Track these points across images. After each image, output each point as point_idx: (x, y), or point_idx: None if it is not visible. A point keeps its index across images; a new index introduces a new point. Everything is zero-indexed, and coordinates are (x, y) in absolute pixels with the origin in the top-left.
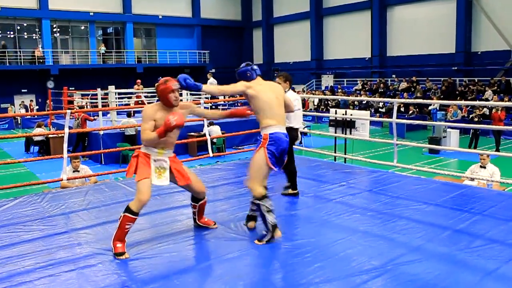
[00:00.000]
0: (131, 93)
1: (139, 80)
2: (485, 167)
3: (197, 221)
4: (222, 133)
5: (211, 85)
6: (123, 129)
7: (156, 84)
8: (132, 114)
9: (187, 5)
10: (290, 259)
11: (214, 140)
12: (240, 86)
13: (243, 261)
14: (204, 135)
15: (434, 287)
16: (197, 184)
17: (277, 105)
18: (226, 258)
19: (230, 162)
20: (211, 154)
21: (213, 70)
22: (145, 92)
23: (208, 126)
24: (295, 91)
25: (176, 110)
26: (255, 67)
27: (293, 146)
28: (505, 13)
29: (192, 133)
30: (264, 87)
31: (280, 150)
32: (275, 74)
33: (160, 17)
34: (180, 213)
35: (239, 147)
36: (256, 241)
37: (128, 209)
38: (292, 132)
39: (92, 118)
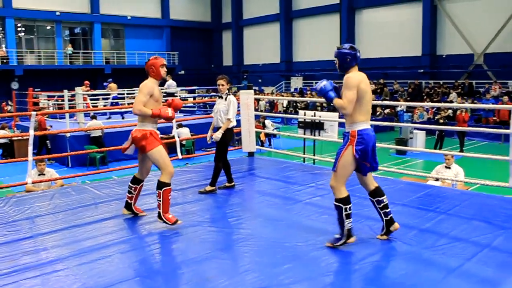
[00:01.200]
0: (99, 94)
1: (87, 82)
2: (449, 167)
3: (132, 207)
4: (192, 135)
5: (170, 87)
6: (89, 131)
7: (146, 62)
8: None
9: (156, 6)
10: (259, 261)
11: (183, 142)
12: (354, 86)
13: (212, 264)
14: (173, 137)
15: (401, 286)
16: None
17: (370, 100)
18: (195, 261)
19: (199, 164)
20: (180, 156)
21: (183, 72)
22: (117, 93)
23: (177, 128)
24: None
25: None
26: (359, 54)
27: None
28: (468, 18)
29: (161, 135)
30: (363, 80)
31: (370, 146)
32: (244, 76)
33: (129, 17)
34: (147, 216)
35: (208, 149)
36: (328, 243)
37: (162, 184)
38: (228, 132)
39: (46, 122)
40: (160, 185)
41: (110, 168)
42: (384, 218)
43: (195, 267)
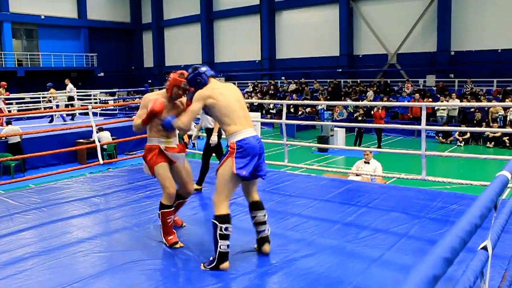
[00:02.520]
0: (13, 99)
1: (3, 83)
2: (368, 163)
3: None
4: (113, 139)
5: (72, 90)
6: (7, 137)
7: (174, 71)
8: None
9: (72, 6)
10: (190, 264)
11: (105, 147)
12: (197, 104)
13: (139, 270)
14: (94, 141)
15: (327, 279)
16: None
17: (240, 107)
18: (121, 268)
19: (122, 168)
20: (101, 161)
21: (102, 74)
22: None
23: (97, 132)
24: None
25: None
26: (203, 68)
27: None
28: (381, 21)
29: (81, 140)
30: (221, 89)
31: (252, 157)
32: (166, 78)
33: (43, 17)
34: (69, 224)
35: (132, 153)
36: (202, 265)
37: (162, 206)
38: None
39: None
40: (159, 206)
41: (26, 176)
42: (256, 237)
43: (123, 274)
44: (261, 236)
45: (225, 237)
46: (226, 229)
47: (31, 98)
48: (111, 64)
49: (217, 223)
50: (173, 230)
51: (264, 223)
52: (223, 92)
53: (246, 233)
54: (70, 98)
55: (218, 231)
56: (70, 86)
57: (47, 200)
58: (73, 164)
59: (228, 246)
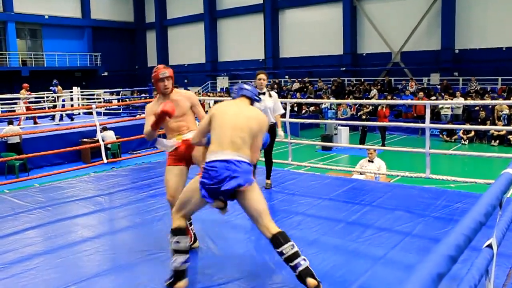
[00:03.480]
0: (17, 98)
1: (26, 84)
2: (372, 161)
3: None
4: (117, 138)
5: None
6: (6, 138)
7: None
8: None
9: (76, 5)
10: (195, 265)
11: (109, 146)
12: (205, 118)
13: (143, 269)
14: (98, 140)
15: (331, 278)
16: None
17: (232, 128)
18: (125, 267)
19: (126, 167)
20: (105, 161)
21: (106, 73)
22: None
23: (101, 131)
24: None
25: (173, 98)
26: (244, 86)
27: None
28: (385, 19)
29: (85, 139)
30: (229, 107)
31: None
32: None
33: (47, 17)
34: (74, 223)
35: (136, 152)
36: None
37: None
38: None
39: None
40: None
41: (31, 176)
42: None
43: (127, 274)
44: (298, 272)
45: (178, 252)
46: (177, 242)
47: (35, 98)
48: (114, 63)
49: (170, 234)
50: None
51: (295, 255)
52: (226, 110)
53: (242, 232)
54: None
55: (171, 245)
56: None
57: (51, 199)
58: (77, 164)
59: (183, 263)
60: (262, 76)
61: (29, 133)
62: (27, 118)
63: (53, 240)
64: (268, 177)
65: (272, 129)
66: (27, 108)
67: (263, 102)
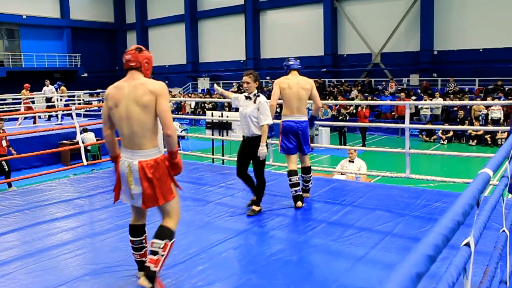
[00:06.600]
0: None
1: (27, 85)
2: (353, 161)
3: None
4: (97, 140)
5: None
6: None
7: (138, 53)
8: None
9: (55, 5)
10: (172, 264)
11: (89, 148)
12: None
13: (124, 272)
14: (77, 142)
15: (312, 278)
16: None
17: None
18: (106, 270)
19: (106, 169)
20: (85, 163)
21: (86, 74)
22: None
23: (81, 133)
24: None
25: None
26: (291, 61)
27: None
28: (365, 20)
29: (64, 141)
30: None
31: None
32: (151, 77)
33: (24, 17)
34: (53, 226)
35: None
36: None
37: (172, 234)
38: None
39: None
40: (169, 233)
41: (12, 178)
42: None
43: (107, 277)
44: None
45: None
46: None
47: (12, 99)
48: (94, 64)
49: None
50: None
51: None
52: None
53: (228, 233)
54: (49, 100)
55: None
56: (50, 87)
57: (30, 202)
58: (56, 166)
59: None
60: (245, 78)
61: (7, 134)
62: (25, 118)
63: (32, 244)
64: (257, 203)
65: (255, 143)
66: (28, 108)
67: (243, 108)
